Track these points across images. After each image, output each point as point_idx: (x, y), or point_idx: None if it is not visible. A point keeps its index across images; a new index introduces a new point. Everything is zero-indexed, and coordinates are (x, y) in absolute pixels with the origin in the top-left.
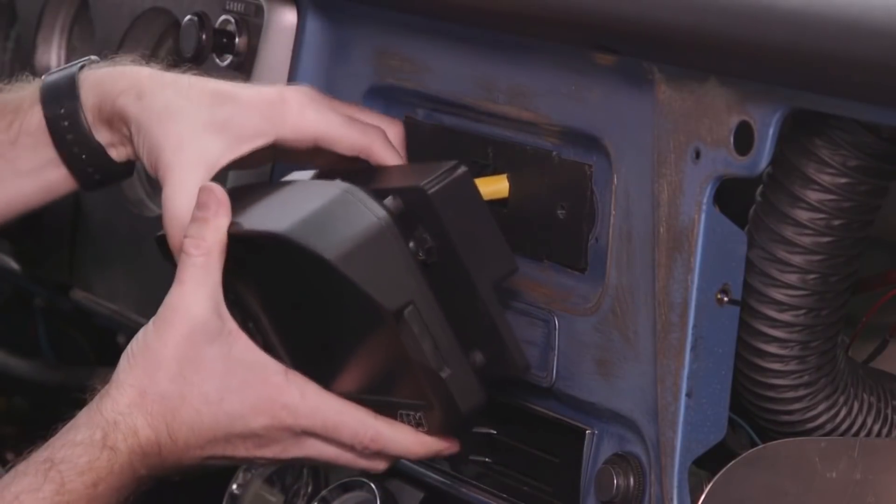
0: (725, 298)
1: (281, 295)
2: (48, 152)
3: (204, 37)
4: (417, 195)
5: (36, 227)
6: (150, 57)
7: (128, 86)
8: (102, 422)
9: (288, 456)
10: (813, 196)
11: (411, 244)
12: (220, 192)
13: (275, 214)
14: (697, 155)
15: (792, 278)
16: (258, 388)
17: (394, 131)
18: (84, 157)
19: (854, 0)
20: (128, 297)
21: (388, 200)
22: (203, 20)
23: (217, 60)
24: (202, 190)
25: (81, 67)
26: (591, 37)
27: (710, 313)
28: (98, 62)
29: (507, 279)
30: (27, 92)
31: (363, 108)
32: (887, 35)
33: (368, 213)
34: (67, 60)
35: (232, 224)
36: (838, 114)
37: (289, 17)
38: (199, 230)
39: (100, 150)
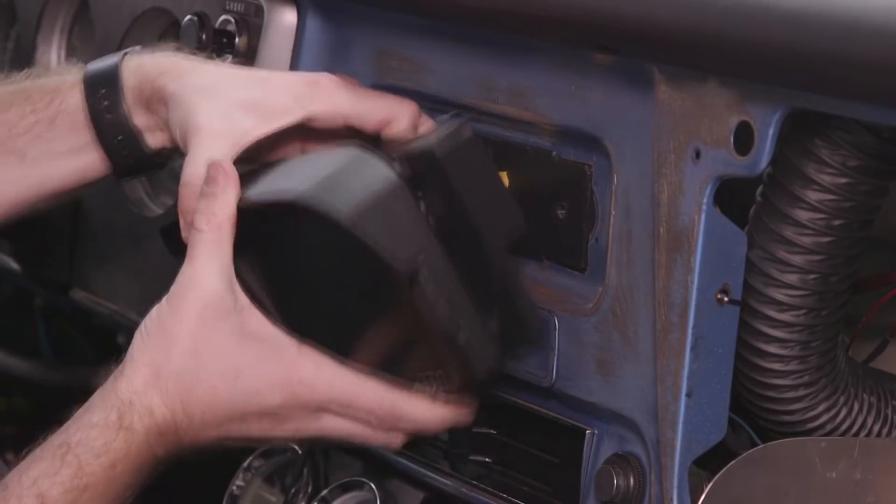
0: (725, 298)
1: (287, 267)
2: (85, 134)
3: (204, 37)
4: (426, 157)
5: (36, 227)
6: None
7: (168, 68)
8: (117, 402)
9: (304, 434)
10: (813, 196)
11: (422, 207)
12: (228, 166)
13: (283, 182)
14: (697, 155)
15: (792, 278)
16: (273, 363)
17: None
18: (120, 138)
19: (854, 0)
20: (128, 297)
21: (397, 163)
22: (203, 20)
23: (217, 60)
24: (211, 165)
25: (125, 55)
26: (591, 37)
27: (710, 313)
28: (140, 50)
29: (517, 237)
30: (70, 75)
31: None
32: (887, 35)
33: (378, 173)
34: (67, 60)
35: (241, 198)
36: (838, 114)
37: (289, 17)
38: (209, 205)
39: (136, 134)
